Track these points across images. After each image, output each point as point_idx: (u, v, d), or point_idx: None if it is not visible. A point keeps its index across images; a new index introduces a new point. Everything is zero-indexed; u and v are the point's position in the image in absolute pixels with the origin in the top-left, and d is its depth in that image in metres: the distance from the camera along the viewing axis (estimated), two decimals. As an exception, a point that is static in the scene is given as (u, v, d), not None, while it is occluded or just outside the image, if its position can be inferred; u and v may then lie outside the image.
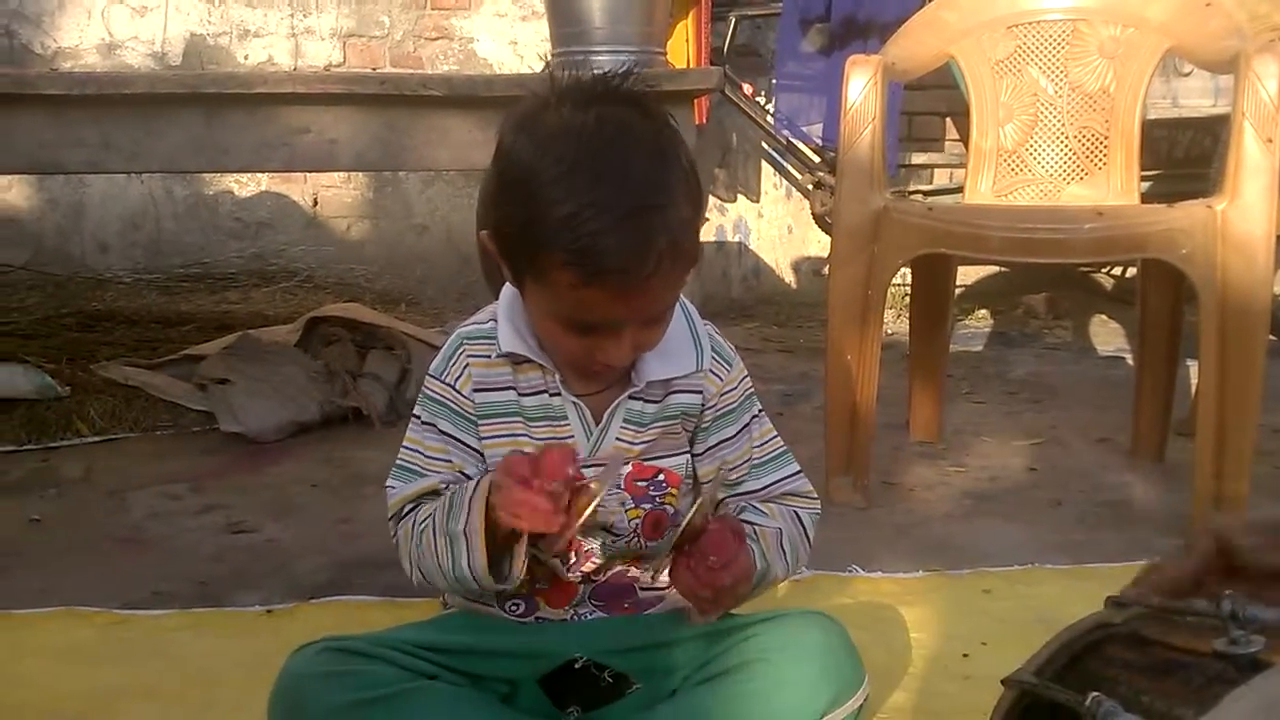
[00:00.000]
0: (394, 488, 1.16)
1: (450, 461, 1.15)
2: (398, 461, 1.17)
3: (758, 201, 4.51)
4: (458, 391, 1.15)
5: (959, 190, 2.57)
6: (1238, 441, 1.87)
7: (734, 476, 1.20)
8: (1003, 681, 0.77)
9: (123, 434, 2.56)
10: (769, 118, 4.19)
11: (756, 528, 1.16)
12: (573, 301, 1.00)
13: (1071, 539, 1.91)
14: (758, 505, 1.20)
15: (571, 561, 1.14)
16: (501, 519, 1.01)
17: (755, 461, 1.21)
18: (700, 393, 1.17)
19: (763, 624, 1.14)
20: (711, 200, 4.45)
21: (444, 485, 1.14)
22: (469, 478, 1.15)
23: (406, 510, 1.15)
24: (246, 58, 4.21)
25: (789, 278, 4.57)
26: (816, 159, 4.18)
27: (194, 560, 1.84)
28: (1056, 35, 2.27)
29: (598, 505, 0.99)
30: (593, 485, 1.00)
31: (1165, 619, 0.74)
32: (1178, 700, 0.65)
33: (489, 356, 1.14)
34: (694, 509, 1.02)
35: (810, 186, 4.25)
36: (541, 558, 1.08)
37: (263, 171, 4.08)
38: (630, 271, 0.97)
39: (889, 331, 3.50)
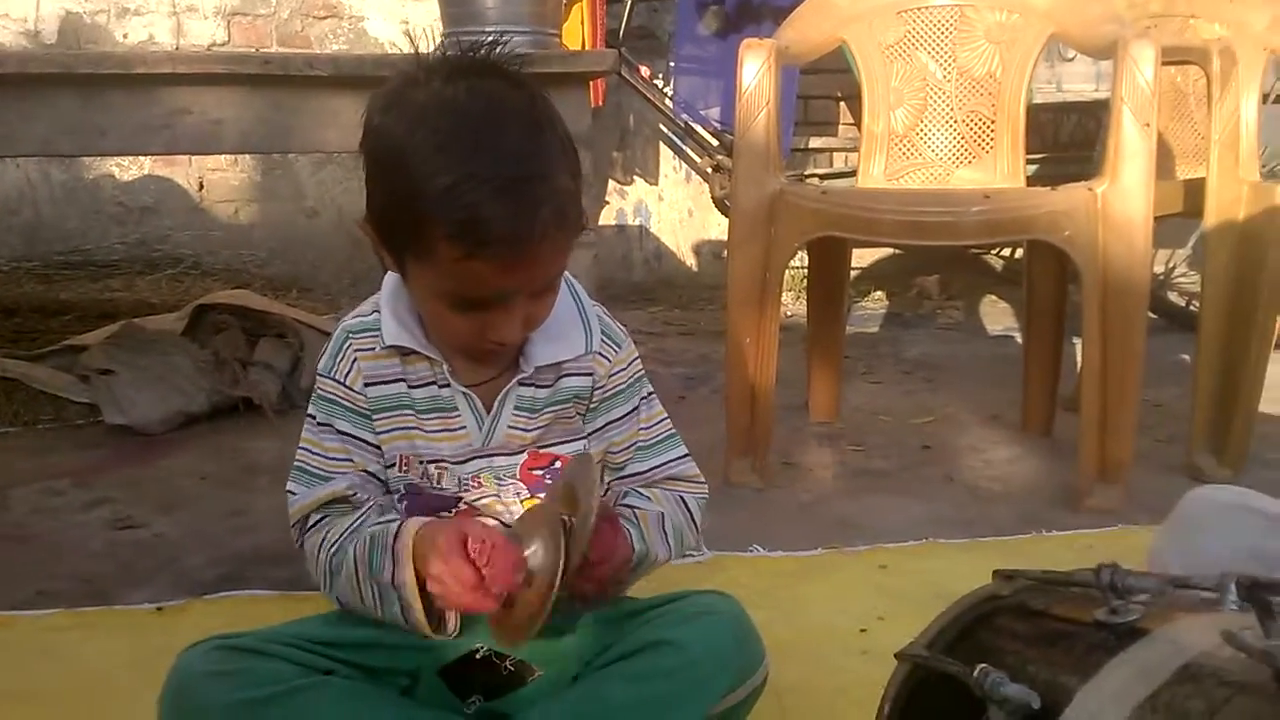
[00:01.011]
0: (295, 493, 1.13)
1: (352, 461, 1.12)
2: (296, 463, 1.14)
3: (657, 184, 4.52)
4: (349, 388, 1.12)
5: (853, 174, 2.61)
6: (1120, 416, 1.94)
7: (620, 459, 1.20)
8: (896, 655, 0.78)
9: (2, 428, 2.46)
10: (667, 101, 4.19)
11: (636, 511, 1.16)
12: (459, 276, 0.98)
13: (964, 514, 1.96)
14: (641, 490, 1.19)
15: None
16: (438, 601, 1.01)
17: (641, 444, 1.20)
18: (591, 375, 1.16)
19: (663, 607, 1.14)
20: (611, 184, 4.45)
21: (351, 491, 1.12)
22: (373, 475, 1.13)
23: (313, 521, 1.12)
24: (126, 36, 4.06)
25: (690, 261, 4.59)
26: (715, 142, 4.21)
27: (80, 557, 1.78)
28: (944, 21, 2.31)
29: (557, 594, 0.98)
30: (531, 558, 1.00)
31: (1050, 590, 0.77)
32: (1062, 668, 0.66)
33: (375, 349, 1.12)
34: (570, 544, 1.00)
35: (709, 170, 4.28)
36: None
37: (143, 154, 3.95)
38: (516, 240, 0.96)
39: (788, 314, 3.56)
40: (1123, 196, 1.87)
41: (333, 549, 1.09)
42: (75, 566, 1.74)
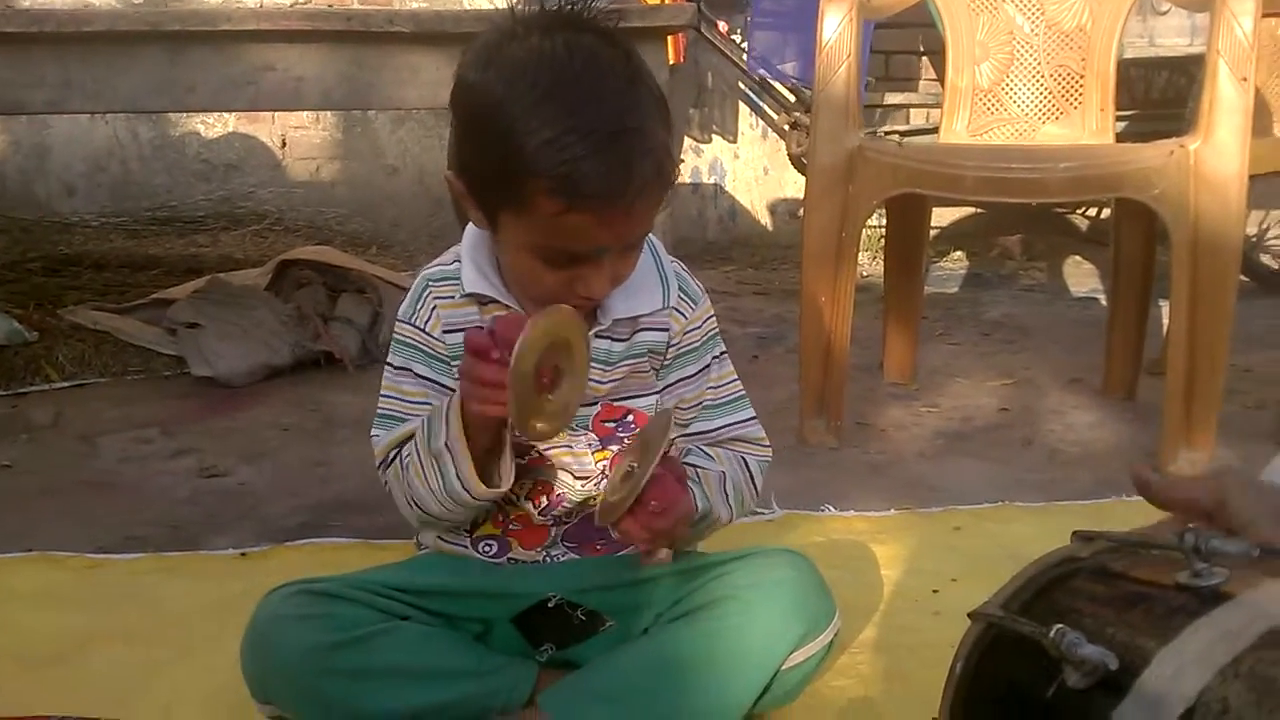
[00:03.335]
0: (378, 436, 1.15)
1: (430, 404, 1.14)
2: (379, 410, 1.16)
3: (734, 142, 4.48)
4: (428, 334, 1.14)
5: (935, 130, 2.56)
6: (1207, 381, 1.89)
7: (687, 416, 1.20)
8: (969, 615, 0.77)
9: (92, 379, 2.54)
10: (744, 57, 4.14)
11: (699, 470, 1.16)
12: (556, 230, 0.99)
13: (1042, 477, 1.93)
14: (704, 449, 1.20)
15: (544, 505, 1.14)
16: (469, 408, 1.01)
17: (709, 403, 1.20)
18: (666, 330, 1.16)
19: (734, 562, 1.15)
20: (687, 141, 4.42)
21: None
22: None
23: (393, 456, 1.14)
24: (211, -6, 4.12)
25: (765, 219, 4.55)
26: (793, 99, 4.15)
27: (166, 504, 1.83)
28: (1033, -28, 2.25)
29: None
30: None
31: (1131, 553, 0.75)
32: (1141, 631, 0.65)
33: (454, 297, 1.13)
34: (651, 463, 1.00)
35: (786, 127, 4.22)
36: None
37: (228, 111, 4.02)
38: (615, 194, 0.96)
39: (864, 273, 3.52)
40: (1217, 154, 1.81)
41: (405, 459, 1.11)
42: (162, 513, 1.79)
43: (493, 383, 0.97)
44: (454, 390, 1.13)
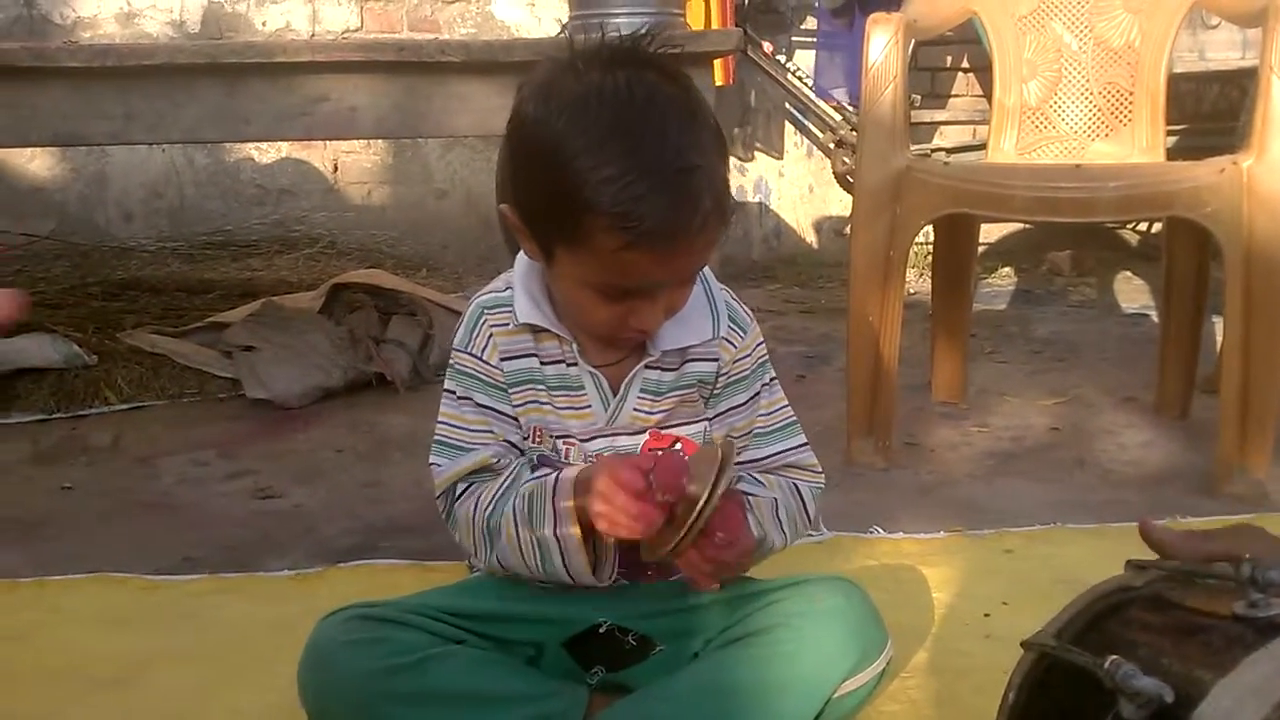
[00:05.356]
0: (440, 465, 1.16)
1: (492, 432, 1.15)
2: (437, 438, 1.16)
3: (779, 160, 4.48)
4: (486, 362, 1.15)
5: (981, 147, 2.55)
6: (1263, 399, 1.86)
7: (739, 444, 1.19)
8: (1023, 644, 0.77)
9: (150, 402, 2.59)
10: (789, 76, 4.16)
11: (751, 498, 1.16)
12: (614, 266, 1.00)
13: (1094, 499, 1.91)
14: (756, 475, 1.20)
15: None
16: (602, 528, 1.02)
17: (759, 431, 1.20)
18: (716, 360, 1.17)
19: (786, 589, 1.15)
20: (732, 160, 4.42)
21: (495, 459, 1.14)
22: (514, 446, 1.16)
23: (461, 490, 1.14)
24: (264, 24, 4.20)
25: (810, 238, 4.54)
26: (838, 117, 4.15)
27: (223, 526, 1.87)
28: (1080, -10, 2.24)
29: (708, 511, 0.99)
30: (692, 488, 1.00)
31: (1186, 582, 0.75)
32: (1197, 663, 0.65)
33: (509, 325, 1.15)
34: (706, 499, 1.00)
35: (831, 145, 4.22)
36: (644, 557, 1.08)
37: (283, 140, 4.08)
38: (676, 232, 0.97)
39: (911, 291, 3.49)
40: (1271, 170, 1.79)
41: (488, 511, 1.11)
42: (219, 534, 1.82)
43: (638, 516, 0.99)
44: (513, 417, 1.15)
